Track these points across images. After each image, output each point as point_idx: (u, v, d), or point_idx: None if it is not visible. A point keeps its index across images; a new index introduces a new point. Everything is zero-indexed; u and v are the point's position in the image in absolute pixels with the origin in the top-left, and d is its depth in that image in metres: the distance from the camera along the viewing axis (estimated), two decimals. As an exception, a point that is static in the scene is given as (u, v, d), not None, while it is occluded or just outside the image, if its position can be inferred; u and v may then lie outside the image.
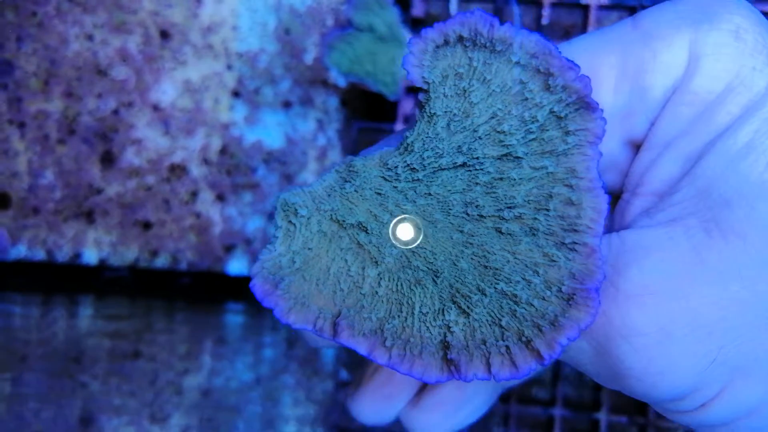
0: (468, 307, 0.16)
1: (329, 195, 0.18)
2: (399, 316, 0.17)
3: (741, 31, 0.18)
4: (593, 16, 0.38)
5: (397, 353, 0.16)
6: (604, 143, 0.20)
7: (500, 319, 0.16)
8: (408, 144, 0.18)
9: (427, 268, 0.17)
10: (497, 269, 0.17)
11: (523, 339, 0.16)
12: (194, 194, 0.42)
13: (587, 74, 0.18)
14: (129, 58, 0.42)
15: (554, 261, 0.16)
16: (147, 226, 0.42)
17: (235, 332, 0.42)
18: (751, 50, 0.18)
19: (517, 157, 0.17)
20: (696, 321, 0.16)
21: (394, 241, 0.17)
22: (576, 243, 0.16)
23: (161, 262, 0.42)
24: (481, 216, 0.17)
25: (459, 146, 0.17)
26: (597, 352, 0.17)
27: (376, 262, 0.17)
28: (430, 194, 0.17)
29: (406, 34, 0.36)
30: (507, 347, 0.16)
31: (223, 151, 0.42)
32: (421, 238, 0.17)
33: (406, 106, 0.39)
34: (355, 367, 0.41)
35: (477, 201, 0.17)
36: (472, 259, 0.17)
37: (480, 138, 0.17)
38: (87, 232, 0.42)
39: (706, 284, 0.16)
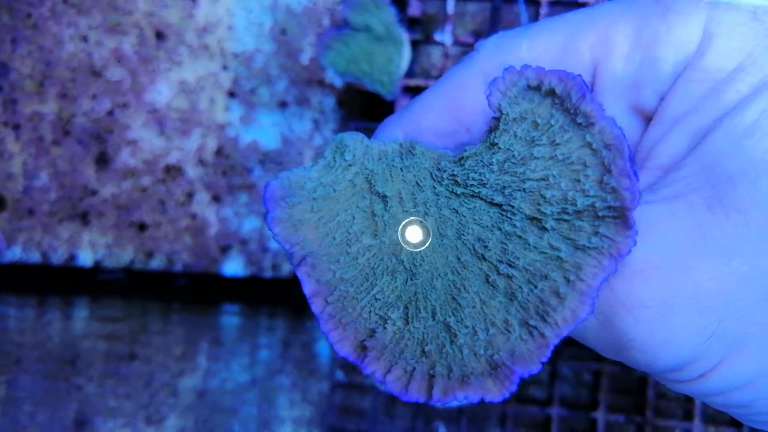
0: (411, 318, 0.17)
1: (379, 158, 0.19)
2: (354, 286, 0.17)
3: (759, 12, 0.18)
4: (589, 16, 0.38)
5: (330, 312, 0.17)
6: (609, 107, 0.20)
7: (426, 344, 0.17)
8: (463, 157, 0.18)
9: (409, 267, 0.18)
10: (460, 306, 0.17)
11: (430, 372, 0.16)
12: (190, 195, 0.42)
13: (603, 36, 0.19)
14: (124, 59, 0.42)
15: (508, 332, 0.17)
16: (142, 227, 0.42)
17: (231, 334, 0.42)
18: (766, 31, 0.18)
19: (544, 228, 0.17)
20: (697, 295, 0.17)
21: (402, 242, 0.18)
22: (537, 329, 0.16)
23: (156, 263, 0.41)
24: (483, 257, 0.17)
25: (503, 187, 0.18)
26: (602, 325, 0.18)
27: (375, 235, 0.18)
28: (456, 212, 0.18)
29: (402, 34, 0.36)
30: (413, 369, 0.16)
31: (219, 151, 0.42)
32: (427, 244, 0.18)
33: (403, 105, 0.39)
34: (350, 368, 0.41)
35: (488, 243, 0.17)
36: (448, 285, 0.17)
37: (524, 190, 0.17)
38: (82, 234, 0.42)
39: (708, 259, 0.17)
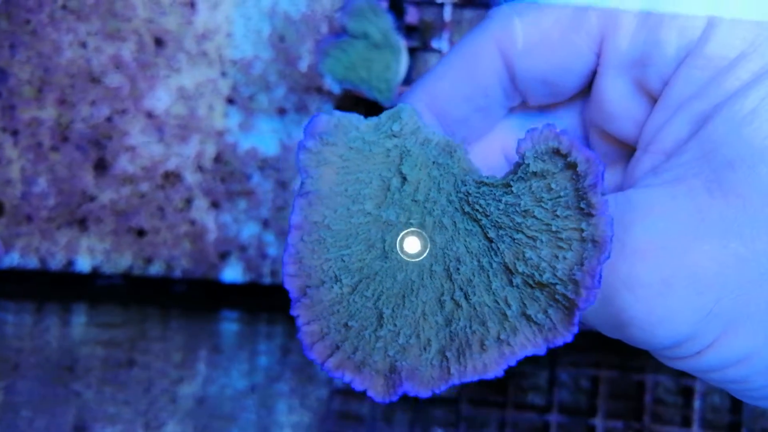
0: (357, 292, 0.18)
1: (422, 144, 0.19)
2: (333, 239, 0.18)
3: (762, 2, 0.19)
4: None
5: (299, 249, 0.18)
6: (612, 82, 0.21)
7: (353, 320, 0.18)
8: (482, 182, 0.19)
9: (386, 250, 0.19)
10: (403, 305, 0.18)
11: (338, 343, 0.17)
12: (188, 201, 0.42)
13: (611, 14, 0.19)
14: (123, 66, 0.42)
15: (424, 350, 0.18)
16: (141, 233, 0.42)
17: (230, 340, 0.42)
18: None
19: (510, 282, 0.18)
20: (695, 275, 0.17)
21: (400, 253, 0.18)
22: (448, 362, 0.17)
23: (155, 269, 0.42)
24: (450, 276, 0.18)
25: (500, 226, 0.18)
26: (602, 303, 0.19)
27: (379, 207, 0.19)
28: (455, 225, 0.19)
29: (400, 41, 0.36)
30: (328, 333, 0.17)
31: (218, 158, 0.42)
32: (425, 254, 0.18)
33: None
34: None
35: (463, 266, 0.18)
36: (406, 283, 0.18)
37: (513, 239, 0.18)
38: (80, 240, 0.42)
39: (706, 240, 0.17)
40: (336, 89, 0.41)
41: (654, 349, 0.19)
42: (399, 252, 0.19)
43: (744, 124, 0.18)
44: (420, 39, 0.40)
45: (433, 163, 0.19)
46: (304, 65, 0.42)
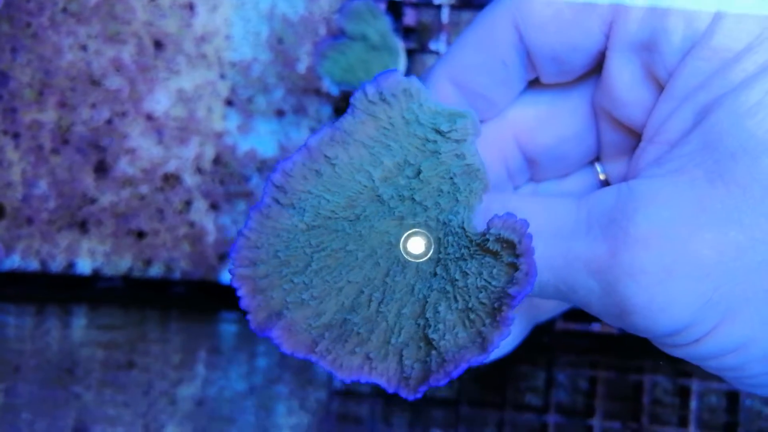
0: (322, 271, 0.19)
1: (457, 156, 0.20)
2: (326, 187, 0.19)
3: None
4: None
5: (291, 173, 0.19)
6: (619, 68, 0.22)
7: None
8: (462, 226, 0.20)
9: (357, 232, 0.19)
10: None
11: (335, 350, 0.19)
12: (188, 203, 0.42)
13: (618, 8, 0.20)
14: (123, 68, 0.42)
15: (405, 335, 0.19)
16: (141, 235, 0.42)
17: (229, 342, 0.42)
18: None
19: (422, 314, 0.19)
20: (695, 262, 0.18)
21: (405, 255, 0.19)
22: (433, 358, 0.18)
23: (155, 271, 0.42)
24: (385, 276, 0.19)
25: (446, 268, 0.19)
26: (605, 291, 0.19)
27: (383, 181, 0.19)
28: (426, 239, 0.20)
29: (398, 43, 0.37)
30: (274, 296, 0.19)
31: (217, 160, 0.42)
32: (431, 253, 0.19)
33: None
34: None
35: (403, 273, 0.19)
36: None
37: (444, 288, 0.19)
38: (80, 242, 0.42)
39: (707, 229, 0.18)
40: (334, 91, 0.41)
41: (655, 336, 0.19)
42: (406, 255, 0.19)
43: (747, 116, 0.18)
44: (418, 41, 0.40)
45: (451, 178, 0.20)
46: (302, 67, 0.42)
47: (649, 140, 0.21)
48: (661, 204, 0.18)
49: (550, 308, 0.28)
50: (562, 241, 0.20)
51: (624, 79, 0.22)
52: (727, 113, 0.19)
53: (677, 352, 0.20)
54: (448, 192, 0.20)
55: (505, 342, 0.27)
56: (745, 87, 0.18)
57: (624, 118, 0.23)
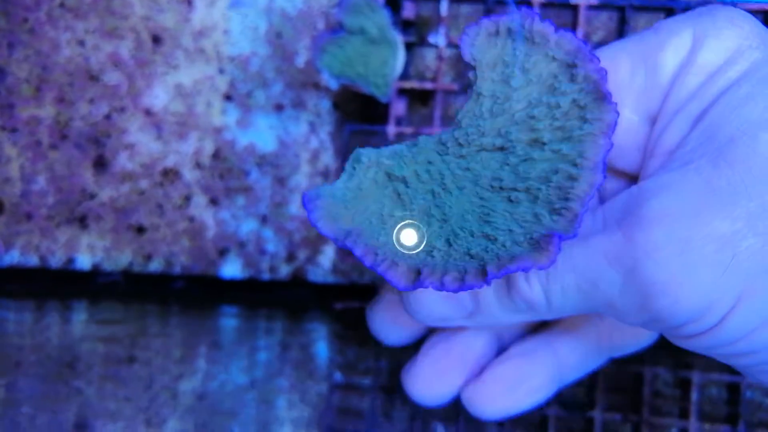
0: (453, 243, 0.19)
1: (391, 156, 0.21)
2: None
3: (736, 20, 0.21)
4: (582, 17, 0.38)
5: (381, 260, 0.19)
6: (627, 120, 0.23)
7: (470, 251, 0.19)
8: (458, 120, 0.20)
9: (441, 218, 0.20)
10: (492, 222, 0.19)
11: (480, 264, 0.18)
12: (187, 198, 0.42)
13: (608, 64, 0.21)
14: (121, 63, 0.42)
15: (540, 221, 0.19)
16: (140, 230, 0.42)
17: (230, 336, 0.42)
18: (747, 33, 0.21)
19: (542, 142, 0.20)
20: (711, 234, 0.18)
21: (398, 247, 0.20)
22: (564, 209, 0.18)
23: (155, 266, 0.42)
24: (501, 188, 0.20)
25: (499, 129, 0.20)
26: (625, 280, 0.19)
27: (404, 208, 0.20)
28: (468, 169, 0.20)
29: (396, 36, 0.37)
30: (465, 269, 0.18)
31: (216, 154, 0.42)
32: (423, 245, 0.20)
33: (398, 107, 0.40)
34: (349, 369, 0.41)
35: (502, 177, 0.20)
36: (478, 216, 0.20)
37: (516, 123, 0.20)
38: (80, 237, 0.42)
39: (718, 204, 0.18)
40: (333, 85, 0.41)
41: (679, 322, 0.19)
42: (399, 247, 0.20)
43: (740, 106, 0.19)
44: (417, 34, 0.40)
45: (411, 155, 0.21)
46: (301, 61, 0.42)
47: (650, 156, 0.22)
48: (671, 189, 0.19)
49: (576, 365, 0.29)
50: (581, 241, 0.20)
51: (622, 126, 0.23)
52: (722, 108, 0.20)
53: (703, 343, 0.20)
54: (416, 151, 0.21)
55: (529, 394, 0.28)
56: (734, 86, 0.20)
57: (625, 166, 0.24)
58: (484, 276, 0.18)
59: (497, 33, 0.20)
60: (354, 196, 0.20)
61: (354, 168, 0.21)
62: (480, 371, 0.28)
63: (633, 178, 0.25)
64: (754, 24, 0.21)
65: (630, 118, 0.23)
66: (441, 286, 0.18)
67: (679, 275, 0.18)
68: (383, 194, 0.21)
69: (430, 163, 0.21)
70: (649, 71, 0.22)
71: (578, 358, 0.29)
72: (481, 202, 0.20)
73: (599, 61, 0.19)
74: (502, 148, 0.20)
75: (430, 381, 0.28)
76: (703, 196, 0.19)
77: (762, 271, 0.18)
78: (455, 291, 0.18)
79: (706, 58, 0.21)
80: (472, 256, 0.18)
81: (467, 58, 0.20)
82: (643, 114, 0.23)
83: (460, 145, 0.20)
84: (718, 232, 0.18)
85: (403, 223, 0.20)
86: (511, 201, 0.19)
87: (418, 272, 0.18)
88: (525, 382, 0.28)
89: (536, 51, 0.20)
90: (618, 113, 0.19)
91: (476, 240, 0.19)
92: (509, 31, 0.20)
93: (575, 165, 0.19)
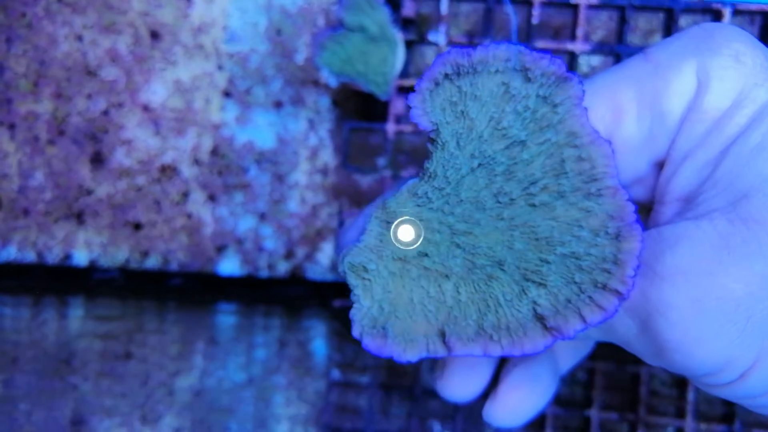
0: (542, 279, 0.18)
1: (381, 241, 0.20)
2: (490, 312, 0.19)
3: (740, 55, 0.21)
4: (582, 16, 0.38)
5: (507, 342, 0.18)
6: (634, 165, 0.23)
7: (572, 277, 0.18)
8: (431, 173, 0.20)
9: (491, 261, 0.19)
10: (548, 237, 0.19)
11: (599, 285, 0.18)
12: (185, 195, 0.42)
13: (610, 108, 0.22)
14: (119, 59, 0.42)
15: (589, 211, 0.18)
16: (137, 226, 0.42)
17: (227, 333, 0.42)
18: (750, 69, 0.20)
19: (522, 141, 0.19)
20: (724, 295, 0.18)
21: (397, 244, 0.19)
22: (600, 189, 0.18)
23: (152, 262, 0.42)
24: (512, 199, 0.19)
25: (472, 154, 0.19)
26: (641, 329, 0.19)
27: (447, 276, 0.19)
28: (461, 201, 0.19)
29: (396, 34, 0.36)
30: (589, 297, 0.18)
31: (215, 151, 0.42)
32: (422, 239, 0.19)
33: (398, 105, 0.39)
34: (347, 367, 0.41)
35: (503, 189, 0.19)
36: (522, 238, 0.19)
37: (486, 140, 0.19)
38: (77, 234, 0.42)
39: (732, 264, 0.18)
40: (333, 82, 0.41)
41: (695, 375, 0.20)
42: (397, 243, 0.19)
43: (752, 158, 0.19)
44: (417, 32, 0.40)
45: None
46: (300, 58, 0.42)
47: (660, 202, 0.23)
48: (687, 244, 0.19)
49: (568, 357, 0.29)
50: None
51: (629, 167, 0.23)
52: (734, 160, 0.20)
53: (727, 393, 0.20)
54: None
55: (543, 395, 0.28)
56: (744, 135, 0.20)
57: (636, 198, 0.24)
58: (617, 293, 0.17)
59: (437, 84, 0.19)
60: (391, 302, 0.19)
61: (366, 280, 0.19)
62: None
63: (644, 207, 0.25)
64: (757, 55, 0.21)
65: (636, 165, 0.23)
66: (586, 325, 0.18)
67: (692, 335, 0.18)
68: (412, 280, 0.19)
69: (422, 221, 0.20)
70: (655, 118, 0.22)
71: (569, 346, 0.29)
72: (510, 223, 0.19)
73: (548, 54, 0.19)
74: (480, 165, 0.19)
75: (463, 376, 0.29)
76: (717, 253, 0.18)
77: None
78: (601, 322, 0.18)
79: (712, 103, 0.21)
80: (578, 283, 0.18)
81: (426, 126, 0.20)
82: (651, 159, 0.23)
83: (442, 189, 0.20)
84: (732, 294, 0.18)
85: (400, 219, 0.19)
86: (537, 207, 0.19)
87: (547, 327, 0.18)
88: (537, 383, 0.28)
89: (479, 76, 0.19)
90: (582, 82, 0.19)
91: (560, 264, 0.18)
92: (447, 76, 0.19)
93: (575, 146, 0.19)
